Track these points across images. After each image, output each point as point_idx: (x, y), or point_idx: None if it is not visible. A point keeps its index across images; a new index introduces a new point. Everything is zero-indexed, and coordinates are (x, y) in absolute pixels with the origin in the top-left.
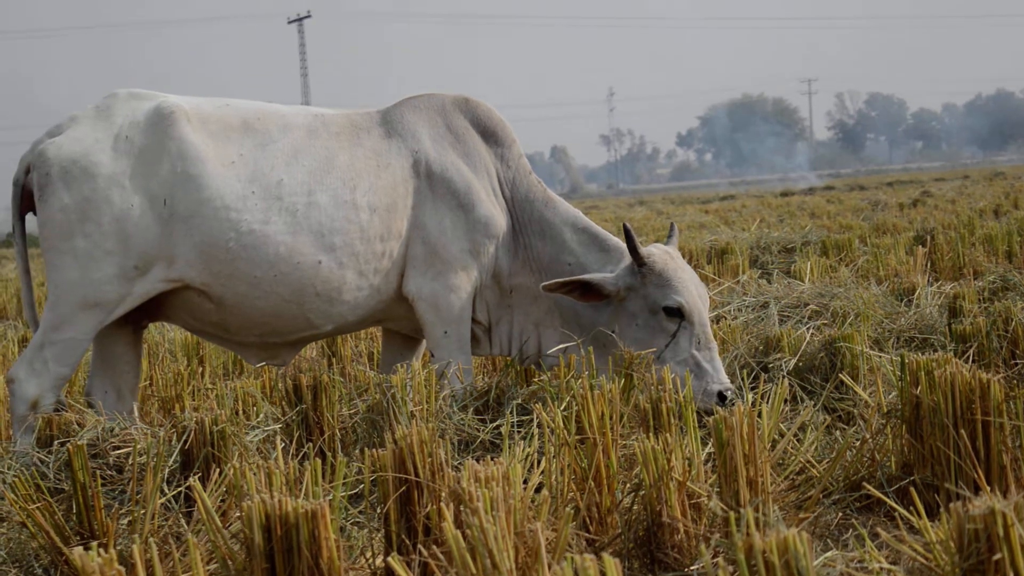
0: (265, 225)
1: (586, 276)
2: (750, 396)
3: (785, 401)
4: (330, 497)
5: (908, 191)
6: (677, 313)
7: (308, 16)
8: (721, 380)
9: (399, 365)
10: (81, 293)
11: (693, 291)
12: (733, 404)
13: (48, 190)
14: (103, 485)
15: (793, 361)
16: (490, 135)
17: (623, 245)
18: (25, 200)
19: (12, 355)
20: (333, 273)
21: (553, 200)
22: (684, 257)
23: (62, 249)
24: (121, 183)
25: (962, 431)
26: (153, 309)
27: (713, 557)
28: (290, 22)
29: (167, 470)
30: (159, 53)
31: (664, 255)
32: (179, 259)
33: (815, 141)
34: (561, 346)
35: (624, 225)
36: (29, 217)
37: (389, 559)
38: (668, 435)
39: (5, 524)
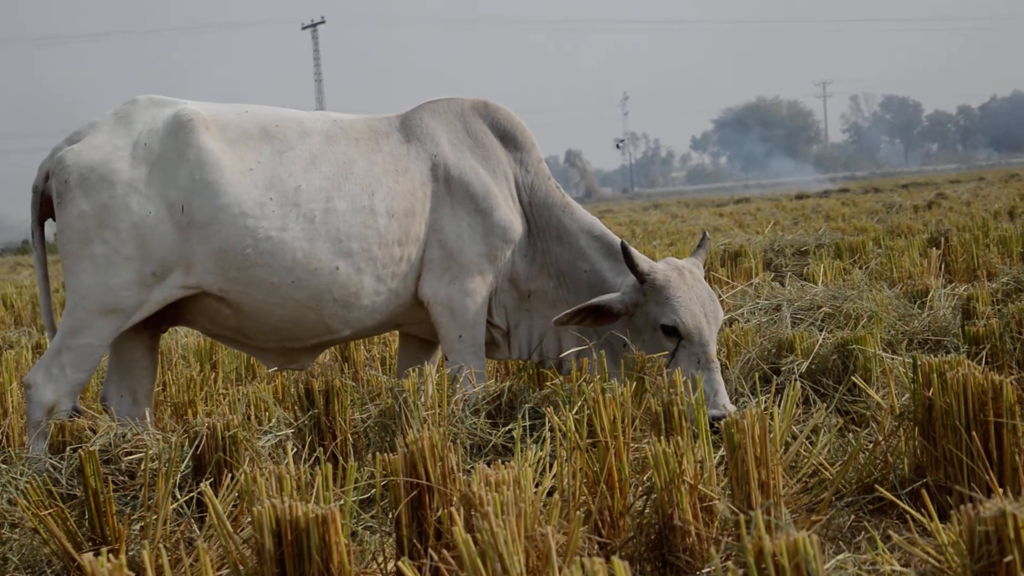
0: (282, 232)
1: (594, 301)
2: (762, 399)
3: (798, 404)
4: (341, 502)
5: (923, 193)
6: (674, 332)
7: (322, 22)
8: (717, 403)
9: (411, 369)
10: (99, 299)
11: (696, 310)
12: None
13: (67, 197)
14: (115, 491)
15: (806, 364)
16: (509, 139)
17: (640, 257)
18: (44, 206)
19: (26, 361)
20: (351, 278)
21: (571, 206)
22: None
23: (80, 255)
24: (139, 190)
25: (974, 433)
26: (171, 314)
27: (724, 560)
28: (304, 28)
29: (179, 476)
30: (177, 59)
31: (669, 271)
32: (197, 265)
33: (830, 144)
34: (574, 349)
35: (621, 243)
36: (49, 223)
37: (400, 563)
38: (680, 438)
39: (18, 530)
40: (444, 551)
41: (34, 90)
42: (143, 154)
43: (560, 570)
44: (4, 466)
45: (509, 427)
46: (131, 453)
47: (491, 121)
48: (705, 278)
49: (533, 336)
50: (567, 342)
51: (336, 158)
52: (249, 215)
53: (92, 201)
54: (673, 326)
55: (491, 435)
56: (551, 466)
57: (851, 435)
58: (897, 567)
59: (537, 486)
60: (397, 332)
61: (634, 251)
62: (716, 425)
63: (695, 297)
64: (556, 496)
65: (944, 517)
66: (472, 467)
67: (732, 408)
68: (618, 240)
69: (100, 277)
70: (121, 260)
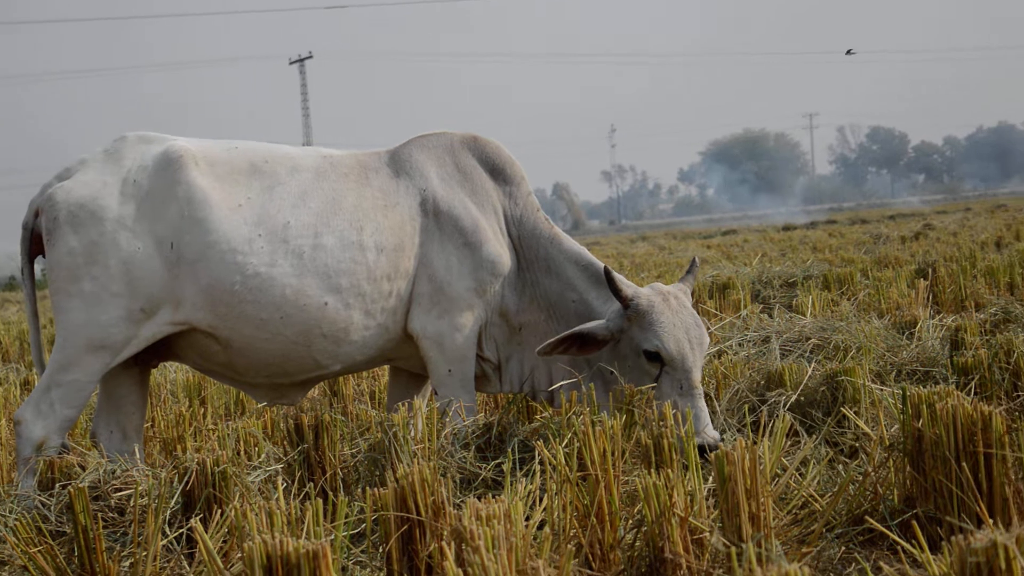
0: (271, 268)
1: (577, 328)
2: (751, 431)
3: (787, 435)
4: (332, 537)
5: (910, 224)
6: (656, 357)
7: (309, 57)
8: (700, 430)
9: (401, 403)
10: (88, 335)
11: (679, 335)
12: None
13: (56, 234)
14: (105, 527)
15: (795, 396)
16: (498, 173)
17: (623, 282)
18: (34, 243)
19: (14, 398)
20: (339, 314)
21: (559, 237)
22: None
23: (70, 292)
24: (128, 227)
25: (964, 464)
26: (161, 350)
27: None
28: (292, 63)
29: (169, 511)
30: (163, 95)
31: (653, 296)
32: (185, 302)
33: (817, 175)
34: (563, 382)
35: (604, 268)
36: (38, 260)
37: None
38: (670, 471)
39: (7, 568)
40: None
41: (20, 127)
42: (132, 191)
43: None
44: None
45: (499, 460)
46: (120, 489)
47: (480, 155)
48: (693, 307)
49: (524, 369)
50: (557, 375)
51: (325, 194)
52: (238, 251)
53: (81, 238)
54: (655, 351)
55: (481, 469)
56: (541, 499)
57: (840, 466)
58: None
59: (527, 519)
60: (387, 366)
61: (618, 276)
62: (705, 455)
63: (679, 322)
64: (547, 529)
65: (935, 548)
66: (462, 501)
67: (715, 435)
68: (602, 266)
69: (89, 314)
70: (110, 296)
